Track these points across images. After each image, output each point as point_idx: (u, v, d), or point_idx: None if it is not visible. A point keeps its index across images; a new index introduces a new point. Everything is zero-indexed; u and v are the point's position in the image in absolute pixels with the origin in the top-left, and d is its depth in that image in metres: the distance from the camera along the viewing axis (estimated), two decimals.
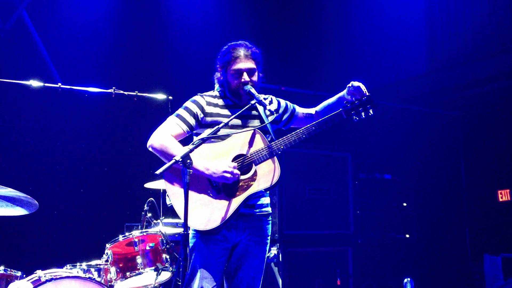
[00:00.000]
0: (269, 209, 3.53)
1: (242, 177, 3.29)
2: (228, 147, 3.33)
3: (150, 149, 3.34)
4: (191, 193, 3.20)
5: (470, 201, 8.27)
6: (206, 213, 3.22)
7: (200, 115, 3.40)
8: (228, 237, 3.35)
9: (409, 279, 4.16)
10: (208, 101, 3.45)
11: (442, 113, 8.44)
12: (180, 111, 3.42)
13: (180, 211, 3.20)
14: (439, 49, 8.03)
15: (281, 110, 3.62)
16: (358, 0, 8.58)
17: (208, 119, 3.40)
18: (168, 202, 3.40)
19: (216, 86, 3.58)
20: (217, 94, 3.53)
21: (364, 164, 7.13)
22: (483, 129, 8.09)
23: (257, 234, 3.43)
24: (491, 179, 7.95)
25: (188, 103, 3.45)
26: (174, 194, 3.25)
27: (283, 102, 3.65)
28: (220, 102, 3.49)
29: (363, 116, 3.42)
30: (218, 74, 3.57)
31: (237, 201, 3.26)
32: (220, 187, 3.27)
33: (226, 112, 3.44)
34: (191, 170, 2.97)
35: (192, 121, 3.39)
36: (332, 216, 6.23)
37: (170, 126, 3.36)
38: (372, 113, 3.42)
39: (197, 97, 3.48)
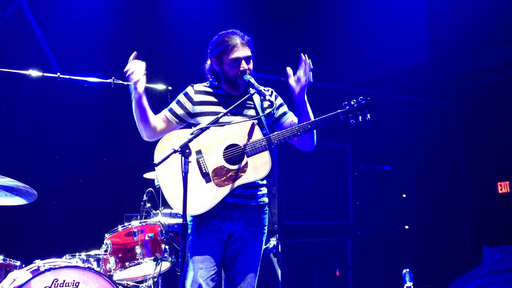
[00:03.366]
0: (265, 199, 3.50)
1: (233, 167, 3.27)
2: (223, 135, 3.31)
3: (143, 137, 3.47)
4: (180, 179, 3.22)
5: (469, 193, 8.27)
6: (193, 199, 3.21)
7: (188, 104, 3.43)
8: (222, 227, 3.34)
9: (408, 270, 4.15)
10: (197, 90, 3.47)
11: (442, 104, 8.43)
12: (172, 103, 3.51)
13: (167, 193, 3.26)
14: (440, 40, 8.00)
15: (277, 104, 3.54)
16: None
17: (197, 107, 3.41)
18: (156, 183, 3.42)
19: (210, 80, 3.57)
20: (209, 83, 3.54)
21: (363, 155, 7.12)
22: (483, 121, 8.08)
23: (252, 224, 3.41)
24: (490, 170, 7.95)
25: (179, 95, 3.51)
26: (163, 177, 3.28)
27: (280, 100, 3.60)
28: (211, 90, 3.49)
29: (360, 120, 3.36)
30: (207, 65, 3.54)
31: (224, 191, 3.25)
32: (209, 175, 3.25)
33: (215, 100, 3.44)
34: (190, 160, 2.97)
35: (179, 111, 3.44)
36: (331, 207, 6.23)
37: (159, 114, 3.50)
38: (369, 118, 3.35)
39: (187, 88, 3.51)
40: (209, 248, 3.31)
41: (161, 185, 3.30)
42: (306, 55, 3.38)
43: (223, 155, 3.29)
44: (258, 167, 3.29)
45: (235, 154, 3.29)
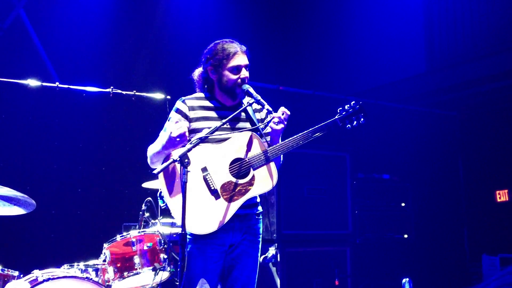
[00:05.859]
0: (260, 208, 3.54)
1: (241, 181, 3.28)
2: (226, 150, 3.30)
3: (151, 166, 3.35)
4: (188, 197, 3.17)
5: (468, 202, 8.27)
6: (204, 217, 3.20)
7: (184, 121, 3.37)
8: (225, 240, 3.33)
9: (407, 279, 4.15)
10: (191, 106, 3.40)
11: (440, 113, 8.44)
12: (167, 124, 3.39)
13: (175, 212, 3.17)
14: (438, 48, 8.03)
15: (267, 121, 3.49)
16: None
17: (194, 124, 3.36)
18: (161, 204, 3.37)
19: (198, 90, 3.54)
20: (203, 95, 3.49)
21: (362, 164, 7.13)
22: (482, 129, 8.09)
23: (251, 233, 3.43)
24: (489, 179, 7.95)
25: (172, 114, 3.41)
26: (170, 195, 3.21)
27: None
28: (206, 103, 3.44)
29: (355, 125, 3.48)
30: (197, 73, 3.51)
31: (235, 205, 3.25)
32: (218, 192, 3.24)
33: (212, 114, 3.40)
34: (189, 170, 2.96)
35: None
36: (330, 216, 6.22)
37: (158, 139, 3.35)
38: (363, 121, 3.48)
39: (179, 104, 3.42)
40: (213, 262, 3.31)
41: (168, 204, 3.21)
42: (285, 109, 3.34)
43: (229, 170, 3.28)
44: (265, 179, 3.31)
45: (241, 168, 3.29)
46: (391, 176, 7.30)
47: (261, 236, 3.52)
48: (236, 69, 3.36)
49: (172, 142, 3.15)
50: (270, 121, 3.35)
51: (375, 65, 8.38)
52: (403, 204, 7.21)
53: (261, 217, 3.53)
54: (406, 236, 7.09)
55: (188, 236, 3.31)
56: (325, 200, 6.22)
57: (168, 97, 5.87)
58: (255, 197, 3.47)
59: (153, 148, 3.31)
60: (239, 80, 3.36)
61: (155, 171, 2.97)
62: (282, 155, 3.45)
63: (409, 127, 8.10)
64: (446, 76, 7.83)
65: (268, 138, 3.46)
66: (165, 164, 2.96)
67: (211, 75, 3.43)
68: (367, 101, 7.52)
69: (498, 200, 7.83)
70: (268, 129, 3.45)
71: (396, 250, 6.97)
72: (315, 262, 6.02)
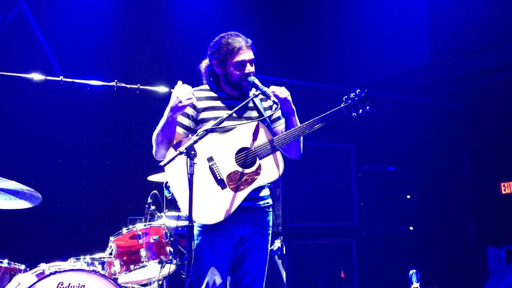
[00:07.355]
0: (270, 200, 3.52)
1: (247, 170, 3.27)
2: (232, 140, 3.29)
3: (156, 157, 3.33)
4: (195, 187, 3.16)
5: (473, 194, 8.25)
6: (210, 206, 3.19)
7: (194, 113, 3.36)
8: (235, 232, 3.33)
9: (414, 270, 4.13)
10: (199, 97, 3.39)
11: (445, 105, 8.41)
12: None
13: (182, 203, 3.16)
14: (442, 40, 7.99)
15: (274, 107, 3.48)
16: None
17: (202, 114, 3.35)
18: (167, 194, 3.36)
19: (205, 81, 3.53)
20: (208, 87, 3.47)
21: (367, 156, 7.10)
22: (487, 121, 8.06)
23: (261, 225, 3.42)
24: (494, 171, 7.93)
25: None
26: (177, 186, 3.21)
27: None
28: (213, 95, 3.43)
29: (361, 113, 3.50)
30: (203, 66, 3.51)
31: (241, 195, 3.24)
32: (224, 181, 3.23)
33: (220, 104, 3.40)
34: (195, 162, 2.95)
35: (186, 122, 3.35)
36: (335, 209, 6.21)
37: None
38: (368, 109, 3.51)
39: None
40: (222, 254, 3.30)
41: (175, 195, 3.19)
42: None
43: (235, 160, 3.27)
44: (271, 168, 3.31)
45: (247, 158, 3.29)
46: (396, 168, 7.27)
47: (271, 228, 3.50)
48: (241, 65, 3.34)
49: (178, 108, 3.19)
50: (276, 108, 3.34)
51: (379, 57, 8.35)
52: (408, 196, 7.19)
53: (271, 209, 3.52)
54: (411, 228, 7.08)
55: (198, 228, 3.31)
56: (330, 192, 6.22)
57: (172, 90, 5.85)
58: (264, 189, 3.46)
59: (156, 130, 3.29)
60: (244, 75, 3.35)
61: (161, 163, 2.96)
62: (302, 138, 3.44)
63: (414, 119, 8.07)
64: (450, 67, 7.80)
65: (277, 125, 3.50)
66: (171, 156, 2.95)
67: (216, 69, 3.43)
68: (371, 93, 7.48)
69: (503, 192, 7.81)
70: (278, 113, 3.48)
71: (402, 242, 6.96)
72: (320, 254, 6.02)
